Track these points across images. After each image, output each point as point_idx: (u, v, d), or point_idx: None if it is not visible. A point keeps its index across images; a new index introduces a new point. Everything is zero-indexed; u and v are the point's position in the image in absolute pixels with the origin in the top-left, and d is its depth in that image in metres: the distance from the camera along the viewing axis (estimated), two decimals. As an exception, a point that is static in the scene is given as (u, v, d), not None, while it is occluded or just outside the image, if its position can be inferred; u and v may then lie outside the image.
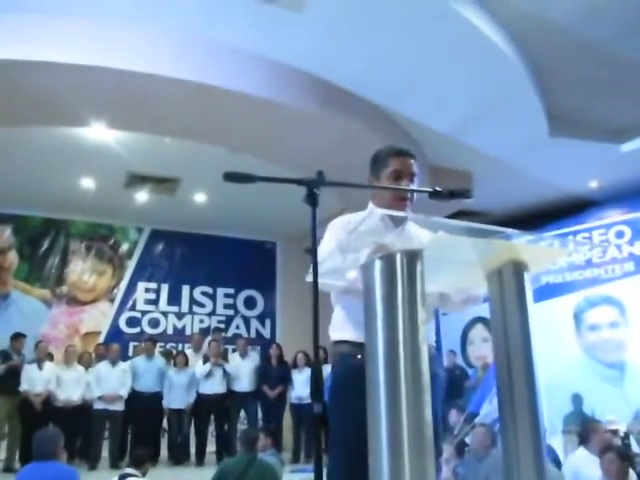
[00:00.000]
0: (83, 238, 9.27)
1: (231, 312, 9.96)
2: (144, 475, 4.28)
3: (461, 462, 5.25)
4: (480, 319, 8.58)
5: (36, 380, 6.76)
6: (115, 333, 9.01)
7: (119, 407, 7.02)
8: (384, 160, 2.12)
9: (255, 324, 10.09)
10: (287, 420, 7.78)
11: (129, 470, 4.22)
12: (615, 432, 5.85)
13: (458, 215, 7.01)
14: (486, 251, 1.61)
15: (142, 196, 8.29)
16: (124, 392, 7.06)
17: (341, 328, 2.02)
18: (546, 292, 7.48)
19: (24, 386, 6.67)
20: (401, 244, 1.67)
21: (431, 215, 1.54)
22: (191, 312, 9.67)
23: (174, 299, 9.59)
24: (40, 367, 6.87)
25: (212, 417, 7.52)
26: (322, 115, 5.73)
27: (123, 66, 4.86)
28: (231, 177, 1.69)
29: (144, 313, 9.38)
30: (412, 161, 2.11)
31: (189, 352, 8.23)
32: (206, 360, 7.50)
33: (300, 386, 7.54)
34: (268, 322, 10.17)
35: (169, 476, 6.54)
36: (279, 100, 5.44)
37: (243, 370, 7.67)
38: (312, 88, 5.62)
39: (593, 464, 4.38)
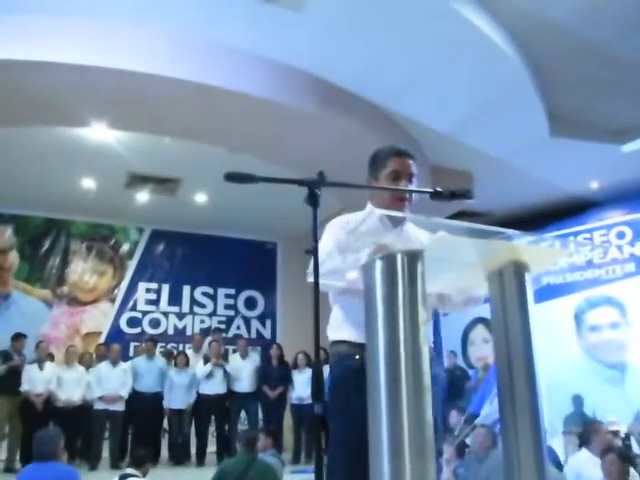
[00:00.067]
0: (84, 238, 9.27)
1: (232, 312, 9.95)
2: (144, 475, 4.28)
3: (462, 463, 5.25)
4: (481, 320, 8.57)
5: (37, 380, 6.75)
6: (116, 333, 9.00)
7: (120, 407, 7.01)
8: (383, 160, 2.11)
9: (256, 324, 10.09)
10: (287, 420, 7.78)
11: (129, 470, 4.22)
12: (616, 433, 5.85)
13: (459, 216, 7.01)
14: (487, 252, 1.60)
15: (143, 196, 8.29)
16: (125, 392, 7.05)
17: (339, 328, 2.01)
18: (547, 293, 7.47)
19: (25, 386, 6.67)
20: (401, 245, 1.67)
21: (432, 216, 1.54)
22: (192, 312, 9.67)
23: (175, 299, 9.59)
24: (41, 367, 6.87)
25: (213, 417, 7.51)
26: (322, 115, 5.73)
27: (123, 66, 4.86)
28: (232, 177, 1.69)
29: (145, 313, 9.38)
30: (411, 161, 2.10)
31: (190, 352, 8.24)
32: (207, 360, 7.50)
33: (301, 386, 7.53)
34: (269, 322, 10.17)
35: (169, 476, 6.54)
36: (279, 100, 5.44)
37: (244, 370, 7.67)
38: (312, 88, 5.62)
39: (594, 465, 4.38)
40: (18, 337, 7.07)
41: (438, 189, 1.83)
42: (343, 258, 1.63)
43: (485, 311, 1.70)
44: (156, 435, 7.34)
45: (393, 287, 1.45)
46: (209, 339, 8.31)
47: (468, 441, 5.58)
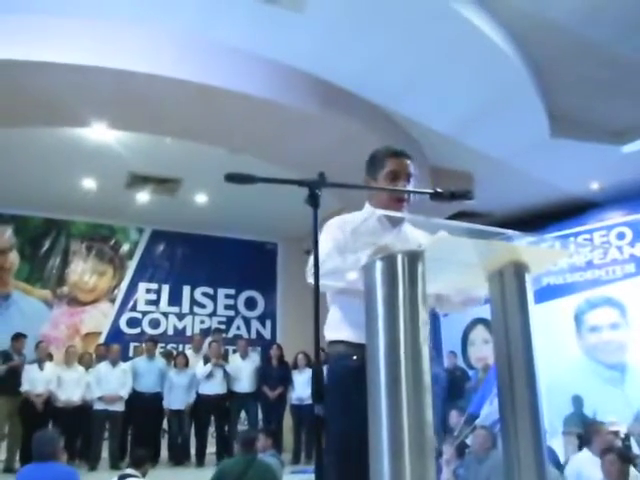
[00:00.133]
0: (84, 238, 9.26)
1: (232, 313, 9.95)
2: (144, 476, 4.28)
3: (462, 463, 5.25)
4: (481, 320, 8.57)
5: (37, 380, 6.75)
6: (116, 333, 9.00)
7: (119, 408, 7.01)
8: (381, 161, 2.11)
9: (256, 325, 10.09)
10: (287, 421, 7.78)
11: (129, 471, 4.22)
12: (616, 433, 5.85)
13: (459, 216, 6.99)
14: (487, 252, 1.61)
15: (143, 196, 8.29)
16: (124, 393, 7.05)
17: (337, 328, 2.01)
18: (547, 293, 7.47)
19: (25, 386, 6.67)
20: (399, 245, 1.67)
21: (432, 216, 1.54)
22: (192, 313, 9.67)
23: (175, 300, 9.59)
24: (41, 367, 6.87)
25: (212, 418, 7.52)
26: (322, 115, 5.73)
27: (124, 66, 4.86)
28: (232, 178, 1.69)
29: (145, 314, 9.37)
30: (408, 162, 2.11)
31: (189, 353, 8.23)
32: (206, 361, 7.50)
33: (300, 387, 7.53)
34: (269, 323, 10.17)
35: (169, 477, 6.54)
36: (280, 100, 5.44)
37: (243, 371, 7.67)
38: (313, 88, 5.62)
39: (595, 465, 4.38)
40: (18, 337, 7.07)
41: (438, 190, 1.83)
42: (343, 258, 1.64)
43: (485, 311, 1.70)
44: (156, 435, 7.35)
45: (393, 288, 1.45)
46: (209, 339, 8.31)
47: (468, 441, 5.58)
